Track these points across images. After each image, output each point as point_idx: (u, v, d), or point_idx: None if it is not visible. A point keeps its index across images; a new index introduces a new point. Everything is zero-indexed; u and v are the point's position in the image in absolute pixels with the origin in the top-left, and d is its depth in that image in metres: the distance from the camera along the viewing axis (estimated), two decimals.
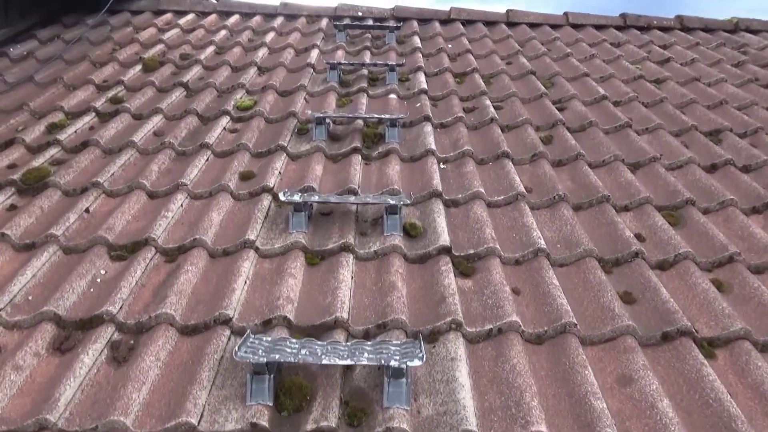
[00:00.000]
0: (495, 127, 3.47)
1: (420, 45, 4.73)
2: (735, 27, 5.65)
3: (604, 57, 4.76)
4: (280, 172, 2.97)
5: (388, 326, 2.03)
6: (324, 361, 1.72)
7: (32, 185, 2.81)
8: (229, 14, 5.37)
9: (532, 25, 5.48)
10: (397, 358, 1.74)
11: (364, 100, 3.74)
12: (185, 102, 3.74)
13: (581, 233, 2.54)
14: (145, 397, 1.77)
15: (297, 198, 2.51)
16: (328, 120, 3.34)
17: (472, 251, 2.42)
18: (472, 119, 3.61)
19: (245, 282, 2.24)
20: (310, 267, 2.38)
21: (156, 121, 3.46)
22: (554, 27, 5.48)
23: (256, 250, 2.42)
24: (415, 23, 5.30)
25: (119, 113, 3.52)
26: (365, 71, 4.17)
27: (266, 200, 2.72)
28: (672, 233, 2.56)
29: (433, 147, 3.17)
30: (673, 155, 3.28)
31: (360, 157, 3.12)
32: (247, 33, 4.89)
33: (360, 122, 3.40)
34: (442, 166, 3.11)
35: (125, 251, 2.41)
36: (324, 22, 5.19)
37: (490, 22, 5.49)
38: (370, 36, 4.95)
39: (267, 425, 1.66)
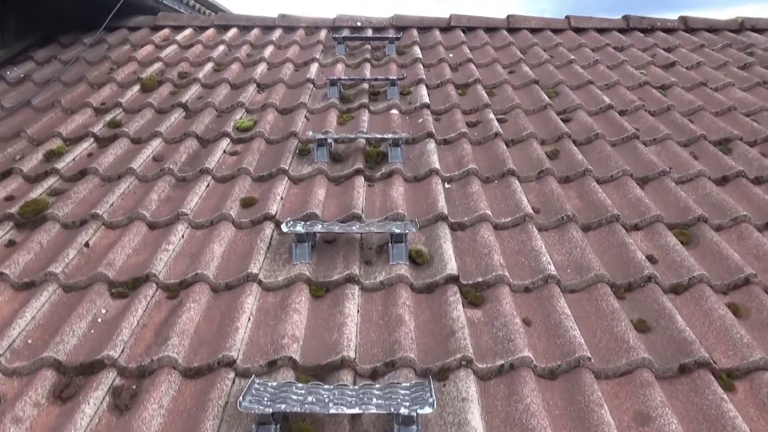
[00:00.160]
0: (499, 143, 3.40)
1: (420, 55, 4.67)
2: (740, 26, 5.56)
3: (608, 62, 4.68)
4: (282, 198, 2.91)
5: (397, 364, 1.97)
6: (331, 411, 1.67)
7: (30, 219, 2.77)
8: (227, 28, 5.31)
9: (534, 30, 5.40)
10: (407, 404, 1.68)
11: (365, 116, 3.68)
12: (184, 124, 3.69)
13: (592, 257, 2.48)
14: None
15: (300, 228, 2.45)
16: (329, 140, 3.28)
17: (480, 279, 2.37)
18: (476, 134, 3.54)
19: (249, 319, 2.19)
20: (315, 300, 2.33)
21: (155, 145, 3.41)
22: (556, 31, 5.40)
23: (260, 283, 2.37)
24: (414, 32, 5.24)
25: (118, 138, 3.47)
26: (366, 86, 4.11)
27: (268, 229, 2.66)
28: (685, 254, 2.50)
29: (437, 166, 3.11)
30: (682, 168, 3.21)
31: (363, 179, 3.06)
32: (245, 47, 4.83)
33: (362, 141, 3.34)
34: (446, 185, 3.05)
35: (126, 288, 2.36)
36: (323, 34, 5.12)
37: (491, 28, 5.41)
38: (369, 47, 4.89)
39: None
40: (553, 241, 2.66)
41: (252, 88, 4.09)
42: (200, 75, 4.25)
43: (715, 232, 2.69)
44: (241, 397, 1.71)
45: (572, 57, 4.70)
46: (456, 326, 2.10)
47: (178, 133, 3.53)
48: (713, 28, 5.56)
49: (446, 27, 5.38)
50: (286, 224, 2.48)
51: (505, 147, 3.36)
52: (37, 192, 2.96)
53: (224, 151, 3.37)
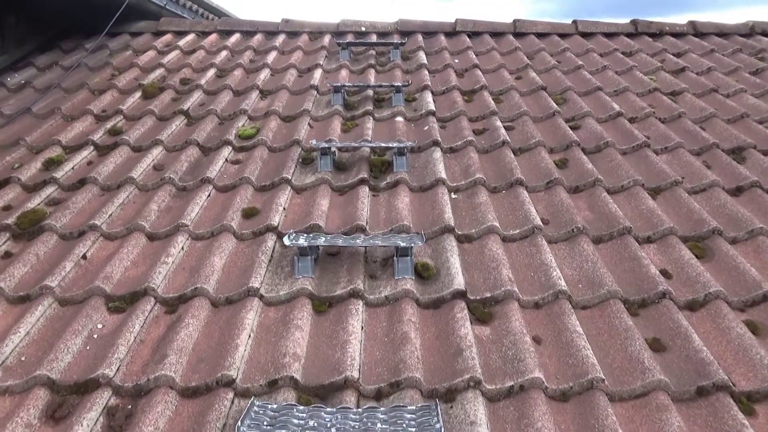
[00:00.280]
0: (507, 151, 3.33)
1: (426, 61, 4.60)
2: (750, 31, 5.47)
3: (617, 68, 4.60)
4: (284, 208, 2.85)
5: (402, 385, 1.90)
6: None
7: (27, 229, 2.71)
8: (230, 33, 5.26)
9: (540, 35, 5.33)
10: (413, 430, 1.61)
11: (370, 124, 3.62)
12: (186, 131, 3.63)
13: (603, 271, 2.40)
14: None
15: (302, 242, 2.38)
16: (333, 149, 3.21)
17: (488, 294, 2.29)
18: (483, 142, 3.47)
19: (249, 336, 2.11)
20: (318, 315, 2.25)
21: (156, 153, 3.35)
22: (563, 36, 5.33)
23: (261, 297, 2.30)
24: (419, 37, 5.17)
25: (118, 146, 3.41)
26: (370, 92, 4.04)
27: (270, 241, 2.60)
28: (700, 269, 2.41)
29: (443, 175, 3.04)
30: (695, 177, 3.12)
31: (367, 189, 2.99)
32: (248, 53, 4.78)
33: (367, 149, 3.28)
34: (453, 196, 2.98)
35: (123, 302, 2.30)
36: (327, 39, 5.06)
37: (497, 33, 5.35)
38: (374, 53, 4.83)
39: None
40: (563, 254, 2.58)
41: (255, 95, 4.03)
42: (202, 81, 4.20)
43: (731, 245, 2.61)
44: (239, 422, 1.64)
45: (580, 62, 4.62)
46: (464, 344, 2.02)
47: (179, 141, 3.48)
48: (723, 32, 5.47)
49: (451, 32, 5.32)
50: (289, 237, 2.41)
51: (512, 156, 3.29)
52: (35, 202, 2.91)
53: (226, 160, 3.30)
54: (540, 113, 3.84)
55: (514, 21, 5.42)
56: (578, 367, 1.95)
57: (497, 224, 2.68)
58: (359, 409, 1.78)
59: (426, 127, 3.59)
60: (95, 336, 2.15)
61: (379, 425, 1.64)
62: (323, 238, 2.45)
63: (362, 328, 2.16)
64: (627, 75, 4.50)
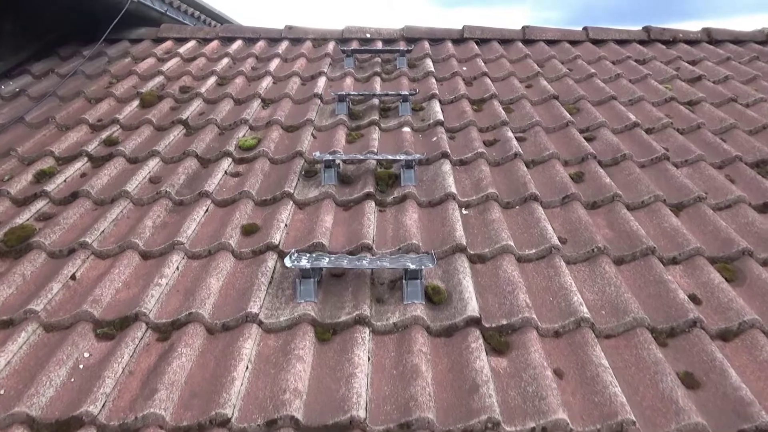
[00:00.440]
0: (519, 164, 3.17)
1: (433, 68, 4.45)
2: (767, 38, 5.32)
3: (631, 76, 4.44)
4: (286, 225, 2.69)
5: (413, 426, 1.74)
6: None
7: (15, 247, 2.56)
8: (231, 40, 5.12)
9: (550, 42, 5.18)
10: None
11: (375, 134, 3.47)
12: (184, 142, 3.48)
13: (628, 296, 2.23)
14: None
15: (305, 263, 2.22)
16: (338, 161, 3.06)
17: (504, 322, 2.13)
18: (494, 154, 3.32)
19: (246, 367, 1.95)
20: (321, 344, 2.09)
21: (152, 165, 3.21)
22: (574, 43, 5.18)
23: (260, 324, 2.14)
24: (426, 44, 5.03)
25: (113, 157, 3.27)
26: (376, 101, 3.90)
27: (271, 260, 2.44)
28: (731, 294, 2.25)
29: (454, 190, 2.88)
30: (719, 193, 2.96)
31: (374, 204, 2.84)
32: (250, 60, 4.64)
33: (373, 162, 3.13)
34: (464, 211, 2.83)
35: (113, 328, 2.14)
36: (331, 46, 4.92)
37: (506, 40, 5.20)
38: (379, 60, 4.68)
39: None
40: (583, 276, 2.42)
41: (256, 104, 3.88)
42: (202, 89, 4.06)
43: (762, 267, 2.44)
44: None
45: (592, 70, 4.47)
46: (480, 379, 1.86)
47: (177, 153, 3.33)
48: (738, 39, 5.32)
49: (459, 39, 5.18)
50: (290, 258, 2.25)
51: (525, 169, 3.13)
52: (24, 217, 2.76)
53: (225, 172, 3.15)
54: (552, 123, 3.69)
55: (523, 27, 5.28)
56: (606, 406, 1.79)
57: (512, 243, 2.52)
58: None
59: (434, 138, 3.44)
60: (81, 366, 1.99)
61: None
62: (327, 259, 2.29)
63: (369, 359, 2.00)
64: (641, 83, 4.35)
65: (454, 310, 2.18)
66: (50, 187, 2.98)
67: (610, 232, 2.69)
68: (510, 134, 3.48)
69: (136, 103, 3.93)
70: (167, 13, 5.43)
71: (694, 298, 2.27)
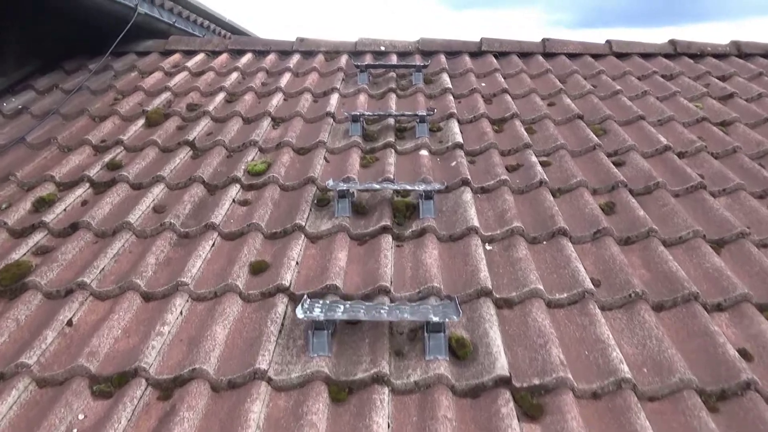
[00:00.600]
0: (545, 192, 2.98)
1: (450, 84, 4.26)
2: None
3: (658, 93, 4.23)
4: (297, 262, 2.52)
5: None
6: None
7: (9, 286, 2.41)
8: (241, 53, 4.96)
9: (572, 56, 4.97)
10: None
11: (392, 158, 3.29)
12: (191, 165, 3.32)
13: (672, 351, 2.03)
14: None
15: (318, 313, 2.05)
16: (352, 190, 2.88)
17: (537, 381, 1.94)
18: (518, 181, 3.12)
19: None
20: (336, 405, 1.91)
21: (156, 192, 3.05)
22: (596, 57, 4.97)
23: (269, 381, 1.96)
24: (442, 57, 4.84)
25: (116, 183, 3.11)
26: (391, 121, 3.72)
27: (281, 305, 2.27)
28: None
29: (476, 223, 2.70)
30: (763, 227, 2.75)
31: (390, 238, 2.66)
32: (260, 75, 4.48)
33: (389, 190, 2.95)
34: (487, 247, 2.64)
35: (110, 385, 1.98)
36: (344, 60, 4.75)
37: (525, 53, 5.00)
38: (394, 75, 4.50)
39: None
40: (620, 326, 2.22)
41: (266, 123, 3.72)
42: (210, 107, 3.90)
43: None
44: None
45: (617, 87, 4.26)
46: None
47: (183, 178, 3.17)
48: None
49: (476, 51, 4.98)
50: (302, 307, 2.07)
51: (551, 198, 2.94)
52: (21, 252, 2.60)
53: (233, 200, 2.99)
54: (578, 146, 3.49)
55: (543, 40, 5.08)
56: None
57: (541, 286, 2.33)
58: None
59: (453, 163, 3.26)
60: (75, 431, 1.83)
61: None
62: (341, 308, 2.11)
63: (389, 425, 1.82)
64: (670, 101, 4.14)
65: (481, 366, 1.99)
66: (49, 217, 2.83)
67: (647, 273, 2.49)
68: (534, 158, 3.29)
69: (141, 122, 3.78)
70: (175, 24, 5.29)
71: (744, 354, 2.06)
